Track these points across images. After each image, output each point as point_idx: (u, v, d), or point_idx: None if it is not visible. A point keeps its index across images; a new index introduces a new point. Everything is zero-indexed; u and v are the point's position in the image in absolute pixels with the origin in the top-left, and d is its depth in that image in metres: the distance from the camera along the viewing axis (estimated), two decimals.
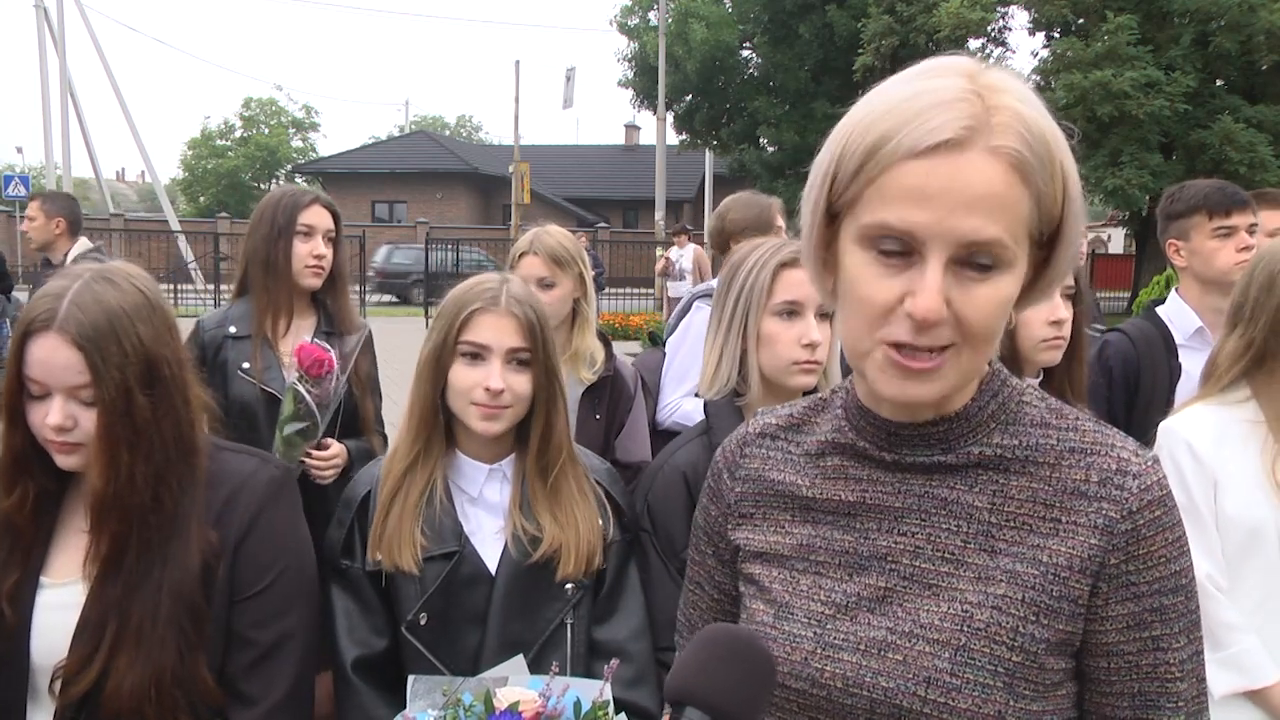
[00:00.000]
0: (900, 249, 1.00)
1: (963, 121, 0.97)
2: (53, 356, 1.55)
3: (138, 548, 1.62)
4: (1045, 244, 1.06)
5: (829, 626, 1.15)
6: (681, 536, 2.01)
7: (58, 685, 1.62)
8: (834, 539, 1.18)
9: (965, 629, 1.09)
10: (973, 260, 0.99)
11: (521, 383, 1.90)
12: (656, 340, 3.50)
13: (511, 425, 1.93)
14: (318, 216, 3.00)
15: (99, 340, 1.56)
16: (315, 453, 2.79)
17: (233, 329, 2.96)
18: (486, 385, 1.87)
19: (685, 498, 2.02)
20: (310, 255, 2.96)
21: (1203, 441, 2.21)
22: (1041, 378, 2.42)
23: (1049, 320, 2.34)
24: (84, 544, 1.66)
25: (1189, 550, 1.11)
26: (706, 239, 3.79)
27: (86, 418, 1.58)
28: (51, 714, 1.65)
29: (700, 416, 2.15)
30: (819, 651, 1.15)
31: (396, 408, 3.28)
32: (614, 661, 1.56)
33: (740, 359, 2.08)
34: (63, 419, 1.57)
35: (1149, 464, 1.10)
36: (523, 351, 1.90)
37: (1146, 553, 1.08)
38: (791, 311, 2.04)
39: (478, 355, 1.89)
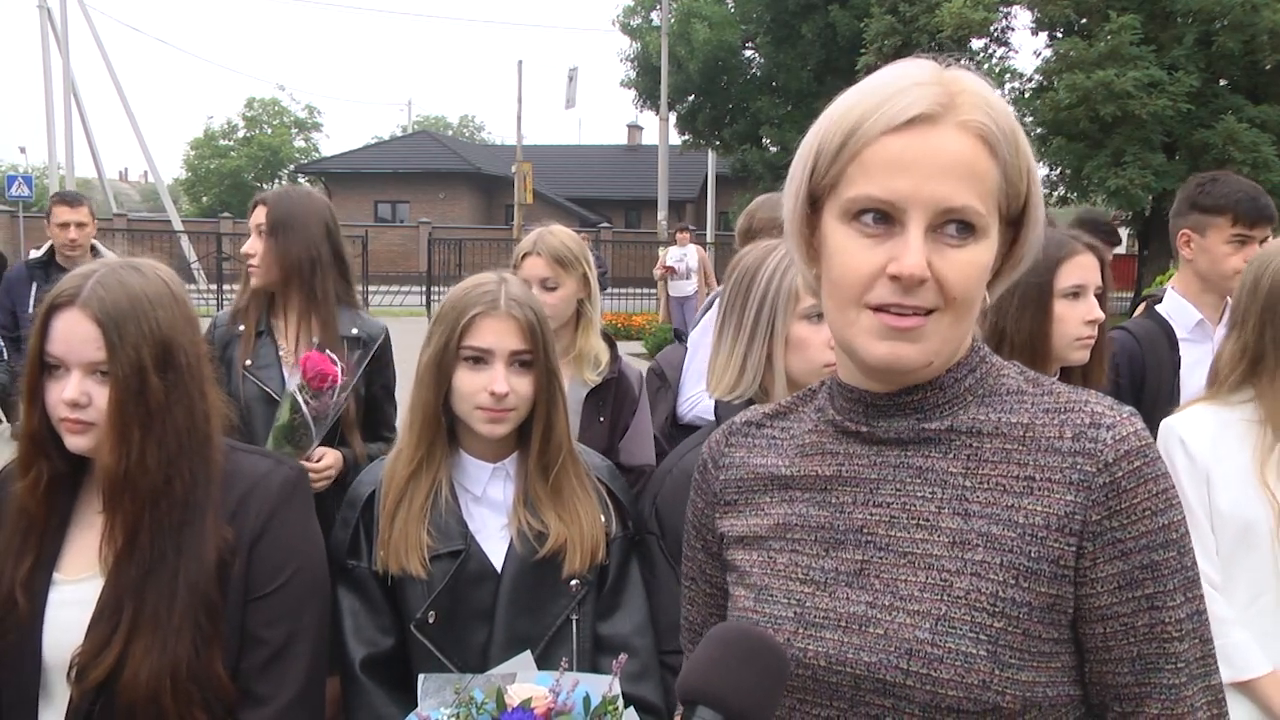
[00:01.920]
0: (882, 220, 1.06)
1: (934, 99, 1.05)
2: (73, 330, 1.61)
3: (151, 530, 1.65)
4: (1013, 223, 1.13)
5: (808, 604, 1.16)
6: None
7: (74, 673, 1.63)
8: (810, 515, 1.19)
9: (945, 598, 1.09)
10: (949, 227, 1.05)
11: (524, 384, 1.92)
12: (681, 338, 3.51)
13: (516, 426, 1.95)
14: (254, 216, 3.09)
15: (118, 318, 1.62)
16: (308, 464, 2.77)
17: (241, 328, 3.03)
18: (491, 389, 1.87)
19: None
20: (246, 254, 3.05)
21: (1197, 439, 2.24)
22: (1058, 375, 2.43)
23: (1086, 320, 2.38)
24: (98, 540, 1.68)
25: (1179, 503, 1.10)
26: (736, 237, 3.79)
27: (101, 396, 1.63)
28: (63, 714, 1.66)
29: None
30: (800, 631, 1.15)
31: (405, 408, 3.26)
32: (622, 657, 1.57)
33: (764, 363, 2.06)
34: (78, 394, 1.61)
35: (1124, 416, 1.09)
36: (524, 353, 1.91)
37: (1129, 506, 1.06)
38: (821, 314, 2.03)
39: (480, 359, 1.90)
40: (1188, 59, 17.30)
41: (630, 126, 50.79)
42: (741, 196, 28.15)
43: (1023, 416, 1.12)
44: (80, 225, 5.36)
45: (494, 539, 1.94)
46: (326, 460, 2.85)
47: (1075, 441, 1.08)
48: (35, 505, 1.70)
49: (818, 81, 24.24)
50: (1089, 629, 1.09)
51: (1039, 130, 19.00)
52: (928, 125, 1.05)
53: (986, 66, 21.16)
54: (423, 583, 1.88)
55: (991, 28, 19.90)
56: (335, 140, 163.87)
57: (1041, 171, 19.96)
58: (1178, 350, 3.10)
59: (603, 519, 1.98)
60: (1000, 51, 22.03)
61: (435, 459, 1.95)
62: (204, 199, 60.46)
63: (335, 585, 1.94)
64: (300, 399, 2.65)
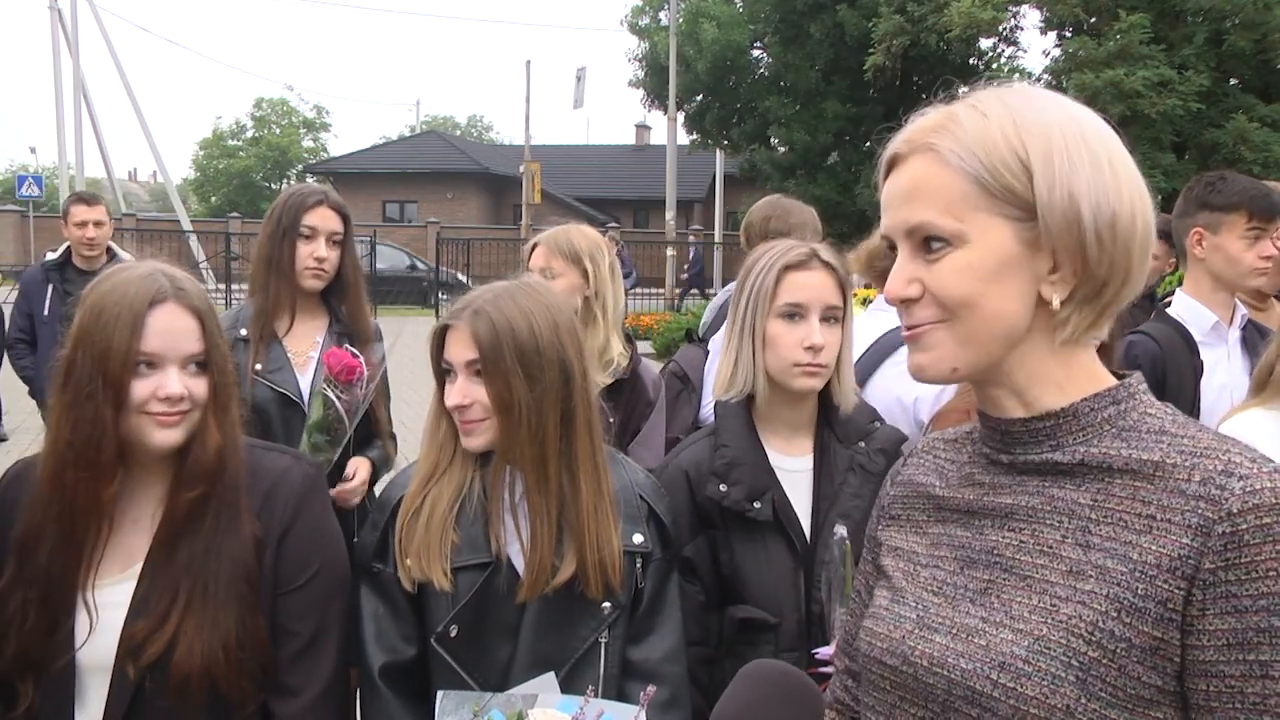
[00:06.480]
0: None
1: (906, 138, 1.17)
2: (174, 323, 1.67)
3: (212, 511, 1.71)
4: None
5: (932, 611, 1.20)
6: (683, 534, 2.04)
7: (127, 652, 1.66)
8: (955, 535, 1.24)
9: (1049, 621, 1.09)
10: (929, 245, 1.14)
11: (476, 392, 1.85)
12: (693, 337, 3.48)
13: (490, 437, 1.85)
14: (321, 219, 2.96)
15: (204, 311, 1.71)
16: (343, 485, 2.81)
17: (243, 331, 2.95)
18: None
19: (687, 495, 2.06)
20: (310, 257, 2.94)
21: (1264, 444, 2.19)
22: None
23: None
24: (134, 542, 1.72)
25: None
26: (741, 238, 3.82)
27: (196, 387, 1.69)
28: (98, 717, 1.68)
29: None
30: (915, 631, 1.19)
31: (408, 407, 3.26)
32: (650, 688, 1.54)
33: (754, 361, 2.08)
34: (181, 388, 1.66)
35: (1265, 470, 1.04)
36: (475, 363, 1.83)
37: (1250, 562, 1.01)
38: (794, 314, 2.05)
39: (449, 370, 1.88)
40: (1198, 58, 17.21)
41: (638, 126, 50.73)
42: (750, 196, 28.09)
43: (1155, 455, 1.10)
44: (98, 224, 5.42)
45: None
46: (361, 475, 2.90)
47: (1202, 486, 1.05)
48: (92, 507, 1.68)
49: (826, 81, 24.21)
50: (1194, 684, 1.05)
51: None
52: (899, 165, 1.17)
53: (995, 66, 21.11)
54: (448, 594, 1.82)
55: (1000, 27, 19.83)
56: (343, 140, 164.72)
57: None
58: (1198, 354, 3.06)
59: (640, 539, 1.91)
60: (1009, 51, 22.00)
61: (457, 462, 1.89)
62: (213, 199, 60.58)
63: (359, 588, 1.90)
64: (331, 395, 2.69)
